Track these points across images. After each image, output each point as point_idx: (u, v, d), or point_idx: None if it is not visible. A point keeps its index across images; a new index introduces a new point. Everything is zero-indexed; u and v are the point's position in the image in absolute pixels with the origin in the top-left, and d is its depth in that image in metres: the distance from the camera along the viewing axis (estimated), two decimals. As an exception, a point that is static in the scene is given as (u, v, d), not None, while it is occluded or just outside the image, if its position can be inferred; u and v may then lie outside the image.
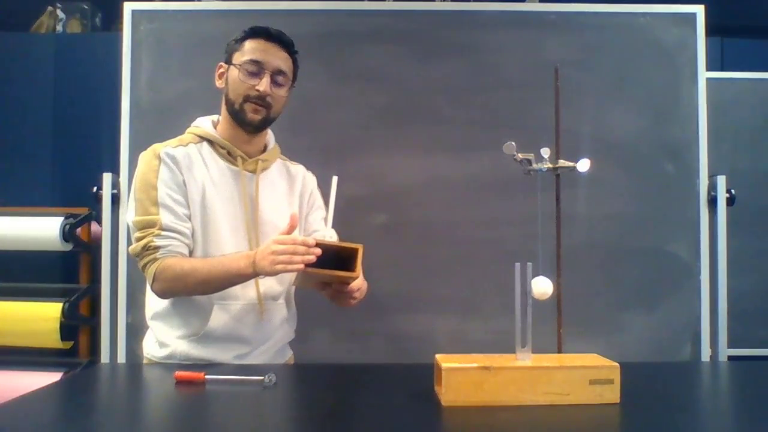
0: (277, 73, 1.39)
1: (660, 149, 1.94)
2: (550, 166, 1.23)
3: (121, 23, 1.94)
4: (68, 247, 2.50)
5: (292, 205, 1.51)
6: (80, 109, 2.75)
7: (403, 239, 1.91)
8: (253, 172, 1.44)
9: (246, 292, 1.38)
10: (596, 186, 1.91)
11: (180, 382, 1.14)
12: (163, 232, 1.30)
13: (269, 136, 1.51)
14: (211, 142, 1.42)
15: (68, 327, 2.53)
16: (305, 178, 1.56)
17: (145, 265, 1.32)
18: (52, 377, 2.15)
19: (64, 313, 2.48)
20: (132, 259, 1.83)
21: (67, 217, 2.51)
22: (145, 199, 1.32)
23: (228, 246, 1.37)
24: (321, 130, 1.90)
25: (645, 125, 1.95)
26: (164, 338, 1.38)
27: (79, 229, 2.53)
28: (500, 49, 1.95)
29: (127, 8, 1.93)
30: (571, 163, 1.24)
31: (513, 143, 1.20)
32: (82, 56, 2.77)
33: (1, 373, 2.49)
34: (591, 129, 1.93)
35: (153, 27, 1.92)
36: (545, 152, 1.22)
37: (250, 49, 1.38)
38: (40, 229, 2.49)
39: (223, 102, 1.43)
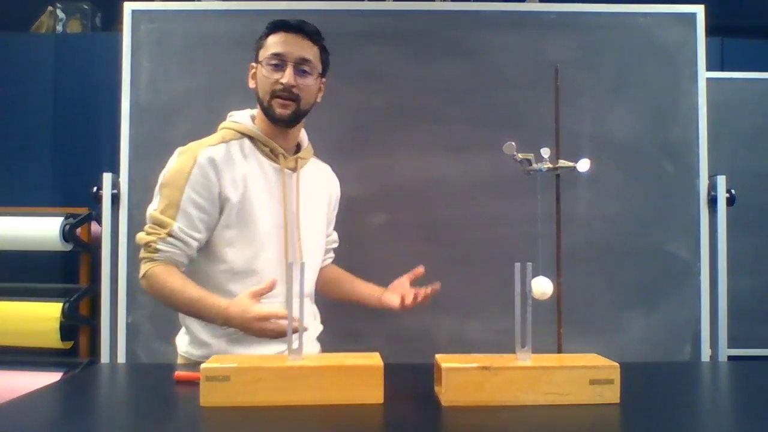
0: (300, 62, 1.38)
1: (660, 149, 1.94)
2: (550, 166, 1.23)
3: (121, 23, 1.94)
4: (68, 247, 2.50)
5: (325, 204, 1.54)
6: (80, 109, 2.75)
7: (403, 239, 1.91)
8: (293, 169, 1.44)
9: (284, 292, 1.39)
10: (596, 186, 1.91)
11: (180, 382, 1.14)
12: (170, 239, 1.31)
13: (302, 133, 1.52)
14: (252, 138, 1.41)
15: (68, 327, 2.54)
16: (333, 180, 1.59)
17: (141, 259, 1.35)
18: (52, 377, 2.16)
19: (64, 313, 2.49)
20: (132, 260, 1.85)
21: (67, 217, 2.51)
22: (167, 198, 1.33)
23: (269, 245, 1.38)
24: (321, 130, 1.90)
25: (645, 125, 1.94)
26: (204, 337, 1.38)
27: (79, 229, 2.54)
28: (500, 49, 1.95)
29: (127, 8, 1.92)
30: (571, 163, 1.24)
31: (513, 143, 1.20)
32: (82, 56, 2.77)
33: (1, 373, 2.49)
34: (591, 129, 1.93)
35: (153, 27, 1.92)
36: (545, 152, 1.22)
37: (272, 44, 1.38)
38: (40, 229, 2.50)
39: (257, 101, 1.44)
